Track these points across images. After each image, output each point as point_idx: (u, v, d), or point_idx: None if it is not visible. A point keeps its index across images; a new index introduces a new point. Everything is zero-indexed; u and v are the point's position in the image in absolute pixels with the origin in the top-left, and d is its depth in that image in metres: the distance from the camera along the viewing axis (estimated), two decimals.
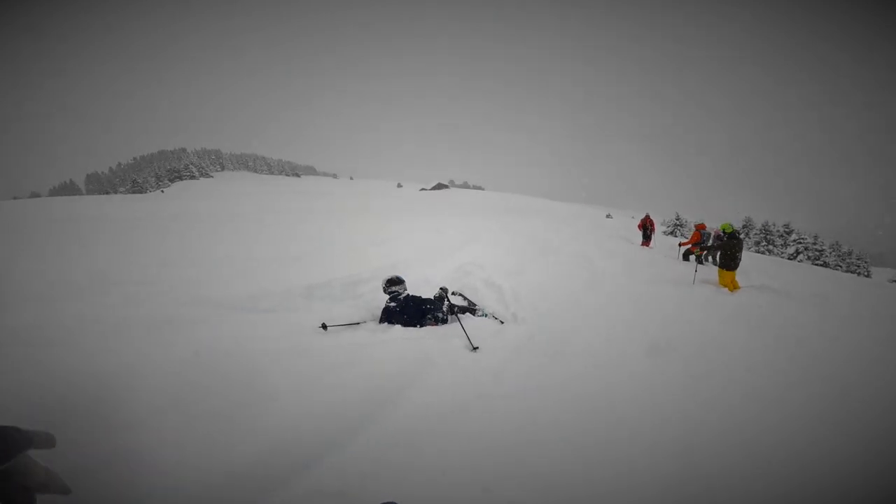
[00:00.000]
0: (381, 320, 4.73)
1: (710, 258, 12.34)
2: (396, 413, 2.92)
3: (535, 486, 2.32)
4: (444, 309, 4.97)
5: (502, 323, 5.00)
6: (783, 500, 2.30)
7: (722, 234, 8.36)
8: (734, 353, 4.41)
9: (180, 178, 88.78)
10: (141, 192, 68.26)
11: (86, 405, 2.16)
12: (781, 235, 37.52)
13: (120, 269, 5.89)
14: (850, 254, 37.43)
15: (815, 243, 35.85)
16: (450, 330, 4.54)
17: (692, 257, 10.61)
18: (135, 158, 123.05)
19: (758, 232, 38.13)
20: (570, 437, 2.76)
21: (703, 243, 11.47)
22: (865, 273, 35.40)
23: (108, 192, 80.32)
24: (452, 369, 3.65)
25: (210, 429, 2.36)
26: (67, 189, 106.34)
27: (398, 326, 4.55)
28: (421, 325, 4.70)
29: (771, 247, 36.76)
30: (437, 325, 4.80)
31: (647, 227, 15.69)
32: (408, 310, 4.74)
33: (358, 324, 4.62)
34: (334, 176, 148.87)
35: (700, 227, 12.43)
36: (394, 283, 4.87)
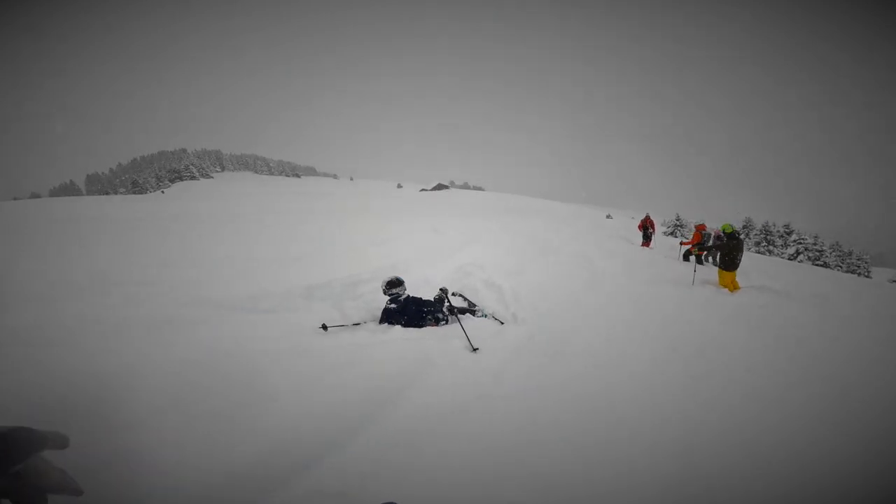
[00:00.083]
0: (381, 321, 4.73)
1: (710, 259, 12.33)
2: (396, 413, 2.92)
3: (535, 486, 2.32)
4: (445, 310, 4.97)
5: (502, 323, 5.00)
6: (783, 500, 2.30)
7: (722, 234, 8.36)
8: (734, 353, 4.41)
9: (180, 178, 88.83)
10: (141, 193, 68.32)
11: (86, 405, 2.16)
12: (781, 236, 37.51)
13: (120, 269, 5.89)
14: (850, 254, 37.41)
15: (815, 244, 35.83)
16: (450, 330, 4.55)
17: (692, 258, 10.62)
18: (135, 159, 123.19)
19: (758, 232, 38.12)
20: (570, 438, 2.76)
21: (704, 244, 11.47)
22: (866, 273, 35.38)
23: (108, 193, 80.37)
24: (452, 370, 3.66)
25: (210, 429, 2.36)
26: (67, 190, 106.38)
27: (398, 327, 4.55)
28: (421, 326, 4.70)
29: (771, 247, 36.74)
30: (437, 325, 4.80)
31: (647, 228, 15.70)
32: (408, 311, 4.74)
33: (358, 324, 4.62)
34: (334, 176, 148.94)
35: (700, 228, 12.43)
36: (393, 285, 4.85)
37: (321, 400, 2.90)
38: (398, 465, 2.41)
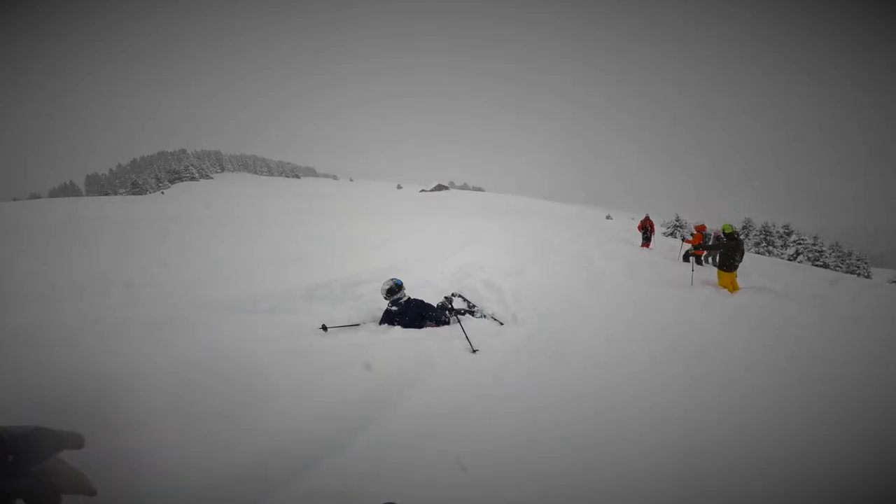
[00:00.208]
0: (382, 321, 4.73)
1: (710, 259, 12.34)
2: (396, 413, 2.92)
3: (535, 486, 2.31)
4: (446, 313, 4.96)
5: (502, 324, 5.00)
6: (783, 500, 2.30)
7: (721, 234, 8.36)
8: (734, 353, 4.41)
9: (180, 179, 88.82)
10: (141, 194, 68.31)
11: (86, 405, 2.16)
12: (781, 236, 37.53)
13: (120, 269, 5.90)
14: (850, 254, 37.43)
15: (814, 244, 35.86)
16: (450, 331, 4.54)
17: (692, 258, 10.64)
18: (135, 159, 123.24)
19: (758, 233, 38.14)
20: (570, 438, 2.76)
21: (705, 244, 11.49)
22: (865, 274, 35.40)
23: (107, 194, 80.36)
24: (452, 370, 3.66)
25: (210, 429, 2.36)
26: (67, 190, 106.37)
27: (398, 327, 4.54)
28: (421, 326, 4.70)
29: (771, 248, 36.76)
30: (437, 326, 4.80)
31: (646, 229, 15.70)
32: (409, 312, 4.73)
33: (358, 325, 4.62)
34: (334, 177, 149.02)
35: (700, 229, 12.44)
36: (393, 292, 4.74)
37: (321, 400, 2.89)
38: (398, 465, 2.41)
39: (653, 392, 3.45)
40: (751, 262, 12.95)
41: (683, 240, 12.58)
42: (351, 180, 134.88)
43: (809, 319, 5.86)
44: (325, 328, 4.22)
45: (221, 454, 2.23)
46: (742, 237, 9.71)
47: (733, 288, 7.75)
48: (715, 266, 10.23)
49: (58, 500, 0.80)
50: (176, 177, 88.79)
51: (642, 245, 15.58)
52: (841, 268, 34.80)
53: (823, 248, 35.56)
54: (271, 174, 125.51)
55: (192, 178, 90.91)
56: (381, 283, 4.97)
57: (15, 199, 49.95)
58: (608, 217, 50.06)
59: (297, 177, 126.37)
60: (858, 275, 32.63)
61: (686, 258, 12.04)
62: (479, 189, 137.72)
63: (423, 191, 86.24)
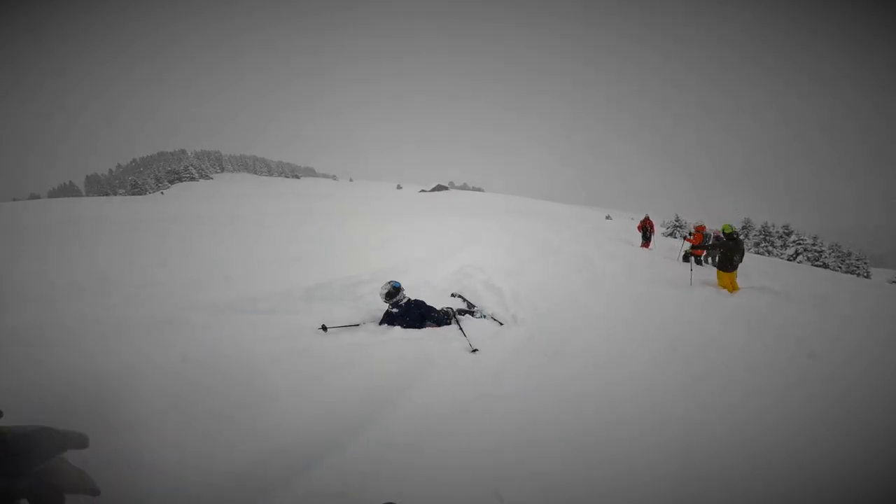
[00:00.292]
0: (382, 322, 4.73)
1: (709, 259, 12.34)
2: (396, 413, 2.92)
3: (536, 486, 2.31)
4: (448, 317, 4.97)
5: (501, 324, 5.00)
6: (783, 500, 2.30)
7: (721, 234, 8.37)
8: (734, 353, 4.41)
9: (180, 179, 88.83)
10: (141, 194, 68.31)
11: (86, 405, 2.16)
12: (781, 236, 37.54)
13: (120, 269, 5.89)
14: (849, 255, 37.44)
15: (814, 244, 35.86)
16: (450, 331, 4.55)
17: (692, 258, 10.64)
18: (134, 160, 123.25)
19: (757, 233, 38.15)
20: (570, 438, 2.76)
21: (705, 243, 11.49)
22: (865, 274, 35.40)
23: (107, 194, 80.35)
24: (452, 370, 3.66)
25: (210, 429, 2.36)
26: (67, 190, 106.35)
27: (398, 327, 4.54)
28: (421, 327, 4.70)
29: (770, 248, 36.76)
30: (437, 326, 4.80)
31: (646, 229, 15.72)
32: (410, 313, 4.73)
33: (358, 325, 4.62)
34: (334, 178, 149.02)
35: (699, 229, 12.45)
36: (392, 295, 4.76)
37: (321, 400, 2.89)
38: (398, 465, 2.41)
39: (653, 392, 3.45)
40: (751, 262, 12.95)
41: (685, 238, 12.58)
42: (351, 180, 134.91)
43: (809, 320, 5.86)
44: (324, 328, 4.22)
45: (221, 454, 2.23)
46: (742, 237, 9.69)
47: (733, 288, 7.75)
48: (714, 266, 10.25)
49: (61, 499, 0.80)
50: (175, 177, 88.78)
51: (642, 245, 15.58)
52: (841, 268, 34.81)
53: (823, 249, 35.56)
54: (271, 174, 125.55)
55: (192, 179, 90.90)
56: (380, 287, 4.96)
57: (15, 200, 49.96)
58: (608, 217, 50.07)
59: (297, 177, 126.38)
60: (858, 275, 32.65)
61: (686, 258, 12.04)
62: (479, 189, 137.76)
63: (422, 191, 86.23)
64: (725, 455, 2.62)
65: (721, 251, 8.01)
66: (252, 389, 2.79)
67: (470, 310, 5.41)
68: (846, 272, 32.93)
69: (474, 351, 4.06)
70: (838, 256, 36.50)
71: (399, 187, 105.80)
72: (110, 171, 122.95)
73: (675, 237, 31.11)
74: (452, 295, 6.11)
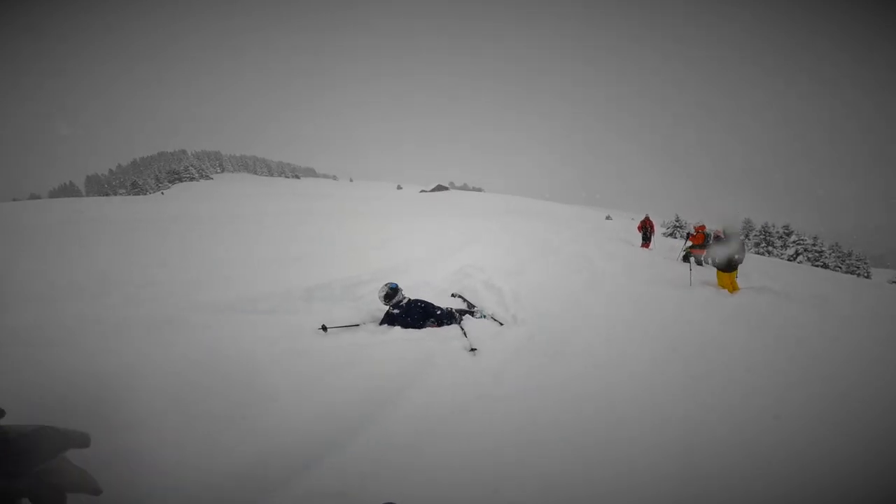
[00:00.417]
0: (382, 322, 4.73)
1: (709, 259, 12.31)
2: (396, 413, 2.92)
3: (536, 486, 2.32)
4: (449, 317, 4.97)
5: (502, 325, 5.00)
6: (783, 500, 2.30)
7: (722, 234, 8.36)
8: (734, 353, 4.41)
9: (180, 179, 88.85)
10: (141, 194, 68.32)
11: (86, 405, 2.16)
12: (781, 237, 37.52)
13: (120, 269, 5.89)
14: (849, 255, 37.43)
15: (814, 244, 35.85)
16: (450, 331, 4.54)
17: (692, 258, 10.63)
18: (135, 160, 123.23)
19: (757, 233, 38.13)
20: (570, 438, 2.76)
21: (706, 243, 11.48)
22: (865, 274, 35.39)
23: (107, 194, 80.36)
24: (452, 370, 3.66)
25: (210, 429, 2.36)
26: (67, 191, 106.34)
27: (398, 328, 4.54)
28: (421, 327, 4.69)
29: (771, 248, 36.75)
30: (437, 326, 4.80)
31: (646, 229, 15.71)
32: (412, 313, 4.73)
33: (358, 325, 4.61)
34: (334, 178, 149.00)
35: (699, 229, 12.43)
36: (391, 296, 4.77)
37: (321, 400, 2.90)
38: (398, 466, 2.41)
39: (653, 392, 3.45)
40: (751, 262, 12.94)
41: (688, 236, 12.55)
42: (351, 181, 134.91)
43: (809, 319, 5.86)
44: (325, 328, 4.22)
45: (221, 454, 2.23)
46: (742, 237, 9.68)
47: (733, 288, 7.74)
48: (714, 266, 10.24)
49: (62, 499, 0.80)
50: (176, 177, 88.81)
51: (642, 245, 15.58)
52: (841, 268, 34.81)
53: (823, 249, 35.55)
54: (271, 174, 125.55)
55: (192, 179, 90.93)
56: (378, 290, 4.95)
57: (15, 200, 49.96)
58: (608, 217, 50.05)
59: (297, 177, 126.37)
60: (858, 275, 32.63)
61: (686, 258, 12.03)
62: (479, 189, 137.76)
63: (423, 191, 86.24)
64: (725, 455, 2.62)
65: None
66: (252, 389, 2.79)
67: (470, 310, 5.41)
68: (846, 272, 32.93)
69: (473, 350, 4.06)
70: (838, 256, 36.49)
71: (399, 187, 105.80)
72: (110, 171, 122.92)
73: (676, 237, 31.11)
74: (453, 295, 6.11)
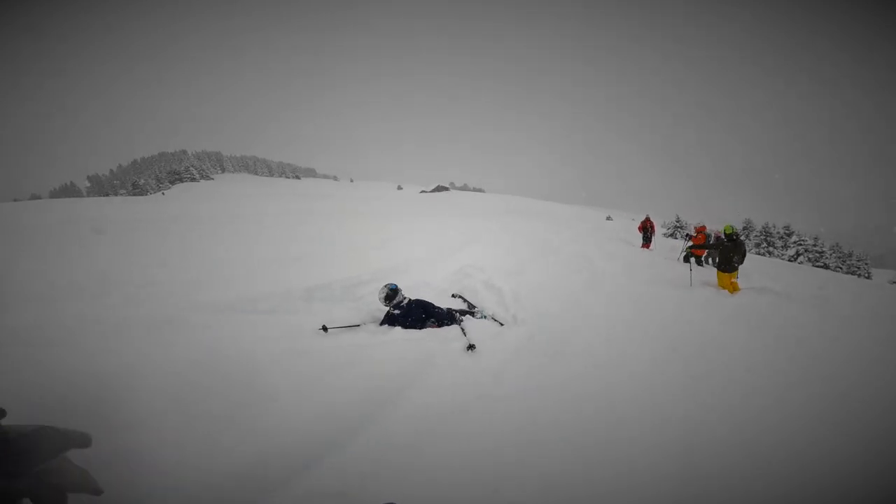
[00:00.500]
0: (383, 322, 4.73)
1: (709, 260, 12.33)
2: (396, 413, 2.92)
3: (536, 486, 2.32)
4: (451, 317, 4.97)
5: (502, 325, 4.99)
6: (783, 500, 2.30)
7: (722, 235, 8.38)
8: (734, 353, 4.41)
9: (181, 180, 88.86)
10: (142, 195, 68.35)
11: (86, 405, 2.16)
12: (782, 237, 37.48)
13: (120, 269, 5.89)
14: (850, 255, 37.39)
15: (815, 245, 35.81)
16: (450, 332, 4.54)
17: (692, 259, 10.64)
18: (135, 160, 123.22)
19: (758, 234, 38.10)
20: (570, 438, 2.76)
21: (707, 243, 11.50)
22: (866, 275, 35.35)
23: (108, 194, 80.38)
24: (452, 370, 3.66)
25: (210, 429, 2.36)
26: (68, 191, 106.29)
27: (398, 328, 4.54)
28: (421, 327, 4.69)
29: (771, 248, 36.72)
30: (438, 327, 4.80)
31: (647, 229, 15.71)
32: (412, 313, 4.73)
33: (358, 325, 4.61)
34: (334, 178, 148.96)
35: (700, 230, 12.45)
36: (391, 297, 4.77)
37: (321, 400, 2.90)
38: (398, 465, 2.41)
39: (653, 392, 3.45)
40: (751, 262, 12.94)
41: (688, 236, 12.56)
42: (351, 181, 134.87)
43: (809, 320, 5.86)
44: (325, 329, 4.22)
45: (221, 454, 2.23)
46: (743, 238, 9.67)
47: (733, 289, 7.75)
48: (715, 267, 10.25)
49: (63, 499, 0.80)
50: (176, 178, 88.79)
51: (643, 246, 15.58)
52: (841, 269, 34.77)
53: (824, 249, 35.51)
54: (272, 175, 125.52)
55: (193, 179, 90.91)
56: (378, 291, 4.95)
57: (16, 200, 49.99)
58: (608, 218, 50.00)
59: (298, 178, 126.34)
60: (859, 276, 32.61)
61: (686, 259, 12.05)
62: (480, 190, 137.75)
63: (423, 192, 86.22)
64: (725, 455, 2.62)
65: (720, 252, 8.01)
66: (252, 389, 2.79)
67: (471, 310, 5.41)
68: (847, 273, 32.91)
69: (472, 347, 4.05)
70: (839, 257, 36.45)
71: (400, 188, 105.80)
72: (111, 171, 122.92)
73: (676, 238, 31.08)
74: (453, 295, 6.11)
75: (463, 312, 5.21)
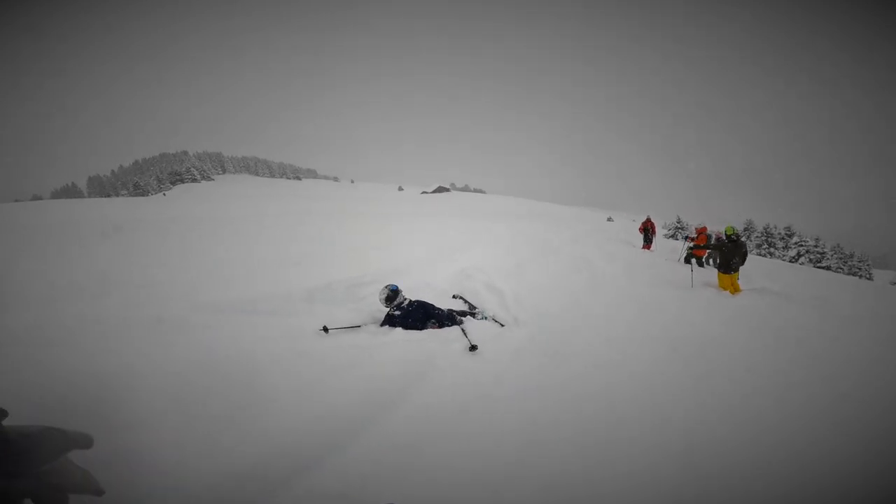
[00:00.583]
0: (383, 323, 4.73)
1: (710, 261, 12.33)
2: (397, 415, 2.92)
3: (536, 486, 2.31)
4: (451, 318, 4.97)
5: (502, 326, 5.00)
6: (783, 500, 2.30)
7: (723, 236, 8.38)
8: (734, 353, 4.41)
9: (182, 180, 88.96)
10: (143, 196, 68.41)
11: (86, 405, 2.16)
12: (783, 238, 37.46)
13: (120, 270, 5.90)
14: (851, 256, 37.36)
15: (816, 246, 35.78)
16: (451, 333, 4.55)
17: (693, 260, 10.64)
18: (136, 161, 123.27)
19: (759, 235, 38.08)
20: (570, 438, 2.76)
21: (708, 244, 11.51)
22: (867, 276, 35.31)
23: (109, 195, 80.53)
24: (453, 371, 3.65)
25: (210, 429, 2.36)
26: (69, 192, 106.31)
27: (399, 329, 4.54)
28: (422, 328, 4.69)
29: (772, 249, 36.69)
30: (439, 328, 4.80)
31: (648, 230, 15.70)
32: (413, 314, 4.73)
33: (359, 326, 4.61)
34: (335, 179, 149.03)
35: (700, 231, 12.46)
36: (392, 298, 4.79)
37: (322, 401, 2.90)
38: (399, 466, 2.41)
39: (653, 392, 3.45)
40: (752, 263, 12.93)
41: (688, 238, 12.56)
42: (352, 182, 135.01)
43: (809, 320, 5.86)
44: (326, 330, 4.22)
45: (222, 455, 2.23)
46: (744, 239, 9.69)
47: (734, 290, 7.74)
48: (716, 268, 10.25)
49: (65, 499, 0.80)
50: (177, 178, 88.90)
51: (643, 247, 15.57)
52: (842, 269, 34.73)
53: (825, 250, 35.48)
54: (273, 176, 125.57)
55: (194, 180, 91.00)
56: (378, 293, 4.95)
57: (17, 201, 50.04)
58: (609, 219, 49.99)
59: (299, 178, 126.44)
60: (860, 276, 32.57)
61: (687, 260, 12.04)
62: (480, 191, 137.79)
63: (424, 193, 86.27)
64: (725, 455, 2.62)
65: (721, 253, 8.01)
66: (252, 390, 2.79)
67: (471, 311, 5.41)
68: (848, 274, 32.87)
69: (476, 351, 4.05)
70: (840, 258, 36.41)
71: (400, 189, 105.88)
72: (112, 172, 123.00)
73: (677, 239, 31.06)
74: (454, 296, 6.11)
75: (463, 313, 5.21)
